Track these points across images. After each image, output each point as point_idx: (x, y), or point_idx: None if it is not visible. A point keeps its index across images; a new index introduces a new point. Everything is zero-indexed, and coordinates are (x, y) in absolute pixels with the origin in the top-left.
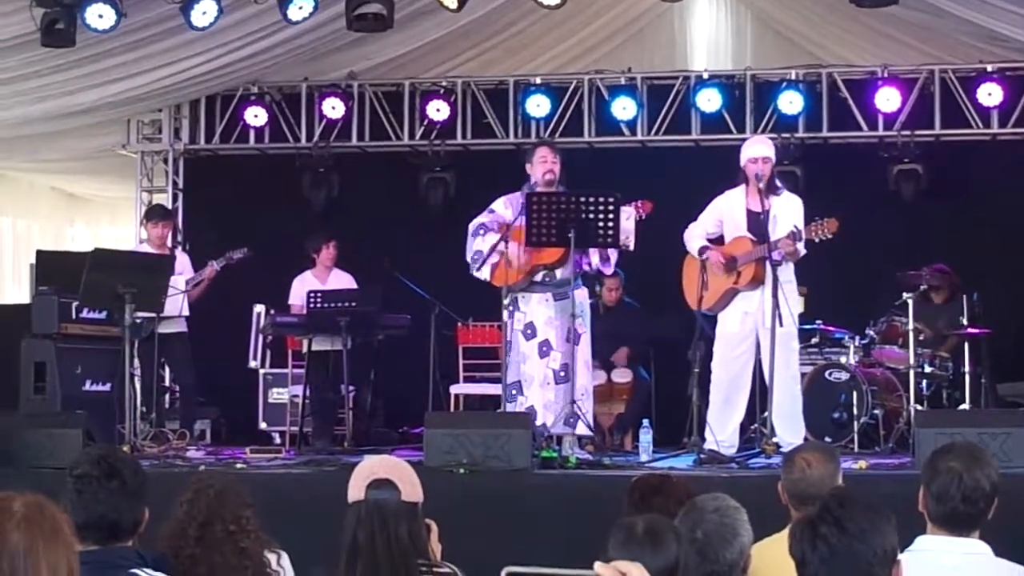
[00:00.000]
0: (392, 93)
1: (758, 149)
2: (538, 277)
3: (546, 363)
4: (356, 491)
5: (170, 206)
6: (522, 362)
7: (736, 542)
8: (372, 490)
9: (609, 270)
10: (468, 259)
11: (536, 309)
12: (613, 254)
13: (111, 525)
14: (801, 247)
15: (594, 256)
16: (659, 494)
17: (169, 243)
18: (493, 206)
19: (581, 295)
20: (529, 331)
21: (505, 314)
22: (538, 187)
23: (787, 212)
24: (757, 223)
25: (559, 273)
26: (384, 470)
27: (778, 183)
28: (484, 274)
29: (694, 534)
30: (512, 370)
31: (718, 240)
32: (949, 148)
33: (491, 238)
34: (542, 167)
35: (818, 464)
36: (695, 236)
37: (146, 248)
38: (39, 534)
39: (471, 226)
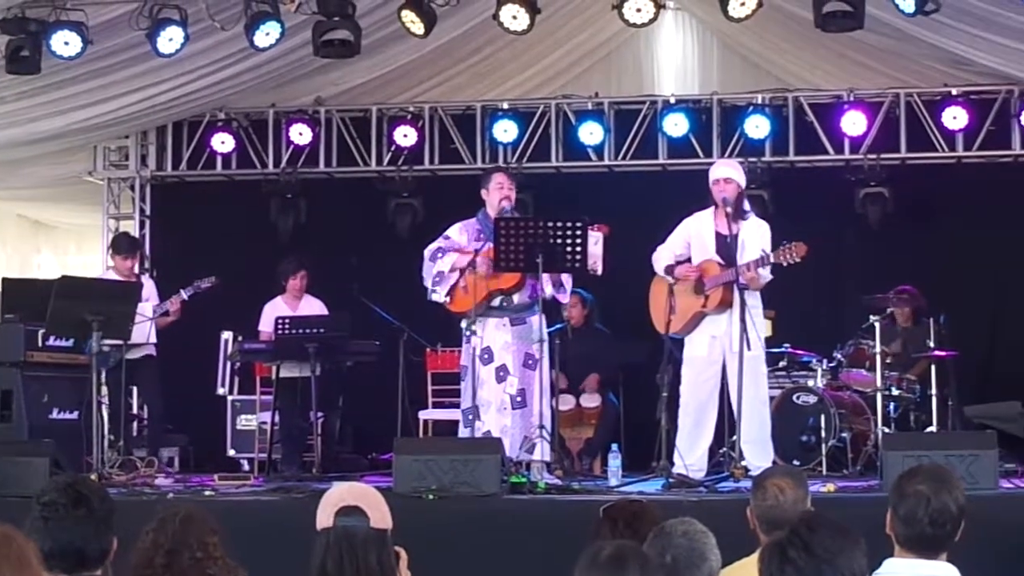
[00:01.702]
0: (359, 119)
1: (720, 171)
2: (495, 302)
3: (503, 388)
4: (325, 518)
5: (137, 233)
6: (479, 387)
7: (704, 566)
8: (341, 517)
9: (565, 298)
10: (426, 284)
11: (493, 334)
12: (568, 281)
13: (78, 553)
14: (768, 272)
15: (547, 285)
16: (633, 520)
17: (136, 271)
18: (448, 232)
19: (539, 321)
20: (486, 356)
21: (464, 338)
22: (493, 214)
23: (755, 237)
24: (725, 246)
25: (516, 298)
26: (353, 497)
27: (746, 207)
28: (441, 297)
29: (663, 558)
30: (469, 395)
31: (686, 263)
32: (915, 171)
33: (450, 258)
34: (498, 194)
35: (790, 490)
36: (663, 258)
37: (113, 276)
38: (6, 564)
39: (427, 251)
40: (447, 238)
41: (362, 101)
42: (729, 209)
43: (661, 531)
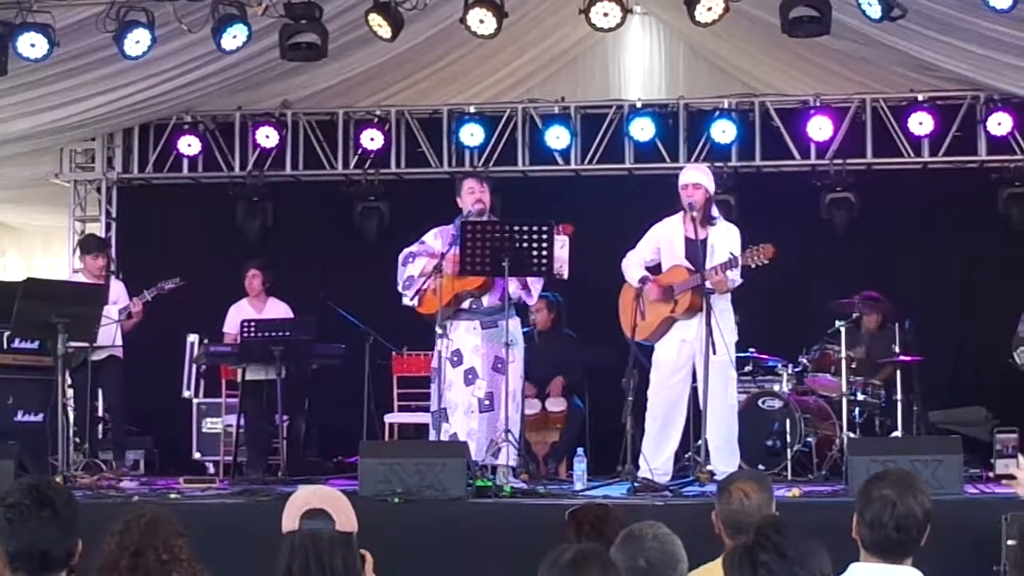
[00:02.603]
0: (326, 122)
1: (688, 176)
2: (465, 305)
3: (471, 391)
4: (290, 521)
5: (103, 235)
6: (447, 389)
7: (679, 568)
8: (306, 520)
9: (531, 300)
10: (399, 288)
11: (463, 337)
12: (536, 284)
13: (42, 555)
14: (737, 275)
15: (511, 284)
16: (598, 523)
17: (106, 271)
18: (424, 237)
19: (513, 324)
20: (456, 358)
21: (437, 341)
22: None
23: (724, 241)
24: (694, 251)
25: (486, 300)
26: (318, 500)
27: (714, 212)
28: (409, 300)
29: (636, 562)
30: (437, 397)
31: (655, 268)
32: (881, 176)
33: (420, 262)
34: (470, 198)
35: (755, 494)
36: (633, 264)
37: (81, 278)
38: None
39: (401, 255)
40: (422, 243)
41: (329, 104)
42: (695, 214)
43: (630, 535)
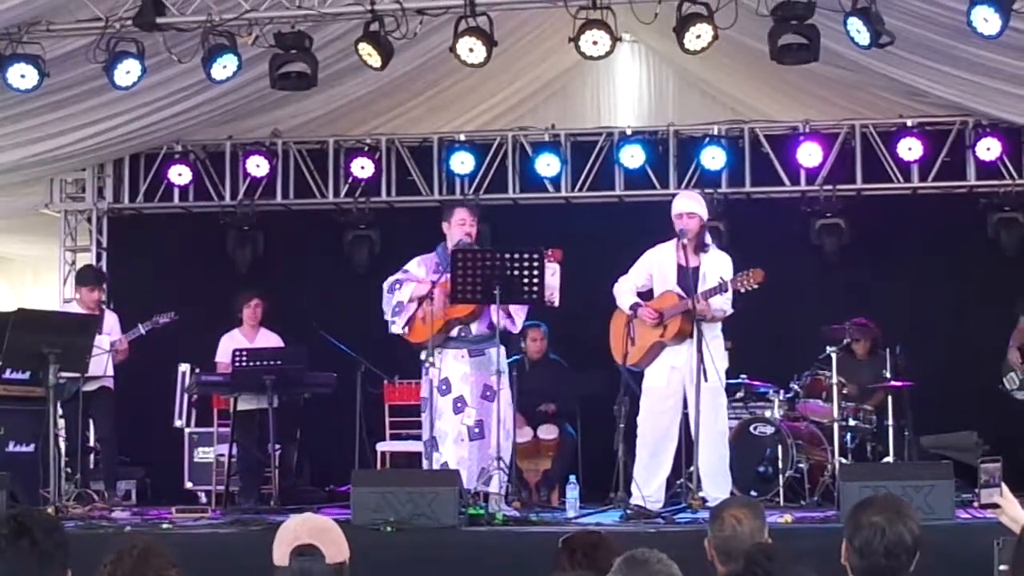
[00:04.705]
0: (316, 151)
1: (681, 204)
2: (453, 333)
3: (460, 419)
4: (281, 556)
5: (95, 265)
6: (437, 418)
7: None
8: (297, 558)
9: (515, 329)
10: (387, 316)
11: (451, 365)
12: (519, 314)
13: None
14: (727, 304)
15: (493, 314)
16: (591, 551)
17: (101, 303)
18: (407, 266)
19: (498, 353)
20: (444, 387)
21: (423, 370)
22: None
23: (715, 269)
24: (686, 278)
25: (474, 328)
26: (307, 533)
27: (707, 240)
28: (400, 328)
29: None
30: (428, 426)
31: (647, 294)
32: (870, 202)
33: (409, 288)
34: (460, 229)
35: (747, 520)
36: (625, 290)
37: (74, 307)
38: None
39: (386, 284)
40: (406, 271)
41: (319, 133)
42: (685, 241)
43: (634, 561)
